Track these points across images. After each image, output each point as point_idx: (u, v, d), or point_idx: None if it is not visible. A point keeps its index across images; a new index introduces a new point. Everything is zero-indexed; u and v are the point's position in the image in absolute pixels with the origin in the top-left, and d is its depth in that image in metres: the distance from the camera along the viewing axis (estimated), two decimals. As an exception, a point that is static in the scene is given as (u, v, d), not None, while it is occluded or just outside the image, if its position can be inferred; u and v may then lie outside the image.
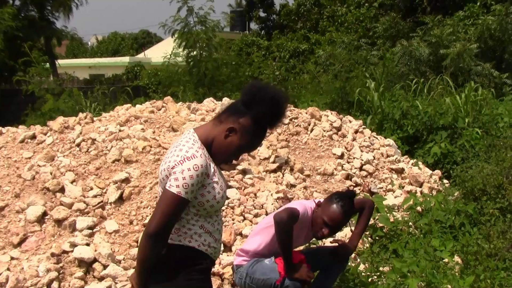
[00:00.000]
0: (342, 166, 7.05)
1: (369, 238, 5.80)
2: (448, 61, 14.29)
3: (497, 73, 14.72)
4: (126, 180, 5.86)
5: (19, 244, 5.27)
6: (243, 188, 5.96)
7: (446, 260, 4.96)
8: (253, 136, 2.66)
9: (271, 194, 5.85)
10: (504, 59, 15.74)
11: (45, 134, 6.89)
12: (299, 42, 25.24)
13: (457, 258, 5.11)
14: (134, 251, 5.08)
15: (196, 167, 2.46)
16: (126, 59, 36.80)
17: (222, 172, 2.83)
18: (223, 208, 5.43)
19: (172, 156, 2.53)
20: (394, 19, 20.16)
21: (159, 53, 23.84)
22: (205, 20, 14.68)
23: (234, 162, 2.77)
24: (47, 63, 24.67)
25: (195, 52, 14.71)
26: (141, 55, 41.84)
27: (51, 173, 6.00)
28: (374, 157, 7.54)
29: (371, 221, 5.93)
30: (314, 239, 4.13)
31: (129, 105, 8.35)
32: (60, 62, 30.21)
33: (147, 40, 58.59)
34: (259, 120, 2.61)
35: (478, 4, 18.58)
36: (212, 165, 2.62)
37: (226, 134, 2.62)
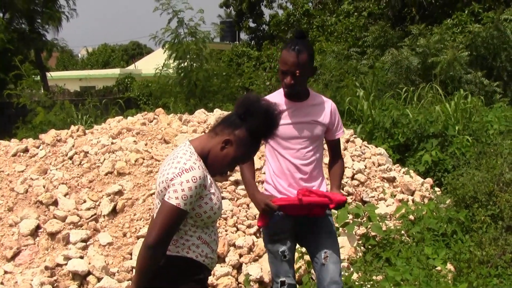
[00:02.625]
0: (334, 176, 7.06)
1: (362, 247, 5.83)
2: (438, 70, 14.37)
3: (487, 81, 14.82)
4: (119, 193, 5.87)
5: (13, 258, 5.27)
6: (235, 199, 5.99)
7: (439, 268, 5.00)
8: (248, 147, 2.71)
9: (264, 205, 5.86)
10: (494, 67, 15.84)
11: (37, 147, 6.90)
12: (289, 52, 25.25)
13: (449, 266, 5.15)
14: (128, 263, 5.09)
15: (194, 179, 2.50)
16: (116, 71, 36.77)
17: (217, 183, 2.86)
18: (218, 219, 5.45)
19: (170, 168, 2.56)
20: (383, 28, 20.26)
21: (150, 64, 23.88)
22: (195, 31, 14.73)
23: (229, 173, 2.81)
24: (38, 76, 24.69)
25: (185, 63, 14.75)
26: (131, 67, 41.84)
27: (44, 186, 6.01)
28: (365, 166, 7.57)
29: (364, 230, 5.96)
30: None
31: (120, 117, 8.37)
32: (51, 74, 30.17)
33: (137, 51, 58.57)
34: (254, 132, 2.66)
35: (466, 12, 18.72)
36: (209, 176, 2.66)
37: (222, 146, 2.66)
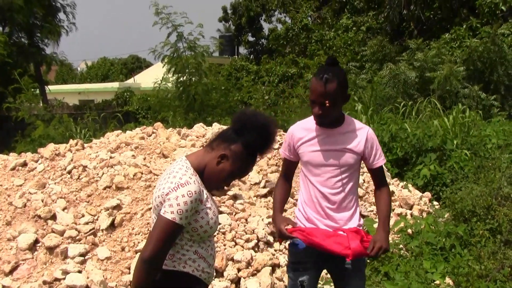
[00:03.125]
0: (333, 190, 7.05)
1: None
2: (436, 85, 14.43)
3: (484, 95, 14.88)
4: (118, 207, 5.87)
5: (11, 272, 5.25)
6: (234, 213, 5.98)
7: (437, 282, 4.99)
8: (244, 162, 2.72)
9: (262, 219, 5.87)
10: (492, 81, 15.89)
11: (36, 162, 6.91)
12: (288, 66, 25.40)
13: (448, 280, 5.14)
14: (126, 278, 5.08)
15: (190, 193, 2.51)
16: (115, 85, 36.87)
17: (214, 197, 2.87)
18: (214, 233, 5.44)
19: (166, 183, 2.57)
20: (381, 42, 20.36)
21: (149, 78, 23.93)
22: (195, 45, 14.80)
23: (225, 188, 2.82)
24: (37, 90, 24.71)
25: (184, 77, 14.80)
26: (130, 81, 41.96)
27: (42, 201, 6.00)
28: (364, 180, 7.58)
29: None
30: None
31: (119, 131, 8.38)
32: (49, 87, 30.24)
33: (136, 65, 58.73)
34: (249, 146, 2.68)
35: (464, 27, 18.84)
36: (205, 191, 2.67)
37: (218, 161, 2.68)
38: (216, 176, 2.70)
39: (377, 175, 3.56)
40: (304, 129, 3.47)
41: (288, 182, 3.67)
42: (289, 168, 3.64)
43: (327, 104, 3.20)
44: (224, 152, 2.67)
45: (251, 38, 37.73)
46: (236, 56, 38.00)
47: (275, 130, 2.76)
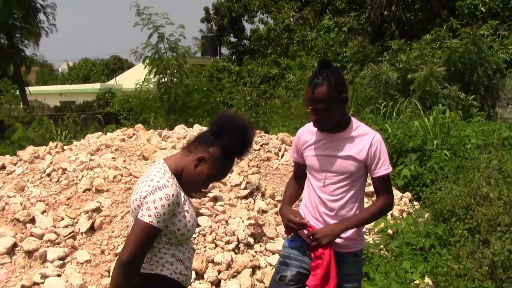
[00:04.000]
0: (314, 191, 7.07)
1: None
2: (415, 85, 14.52)
3: (464, 95, 15.00)
4: (97, 210, 5.83)
5: (-11, 276, 5.20)
6: (214, 215, 5.97)
7: (417, 281, 5.02)
8: (223, 165, 2.72)
9: (243, 221, 5.86)
10: (472, 82, 16.03)
11: (15, 164, 6.85)
12: (269, 67, 25.46)
13: (427, 280, 5.17)
14: (106, 281, 5.05)
15: (167, 197, 2.50)
16: (97, 86, 36.72)
17: (192, 200, 2.86)
18: (194, 235, 5.44)
19: (143, 186, 2.57)
20: (361, 43, 20.45)
21: (131, 79, 23.83)
22: (176, 46, 14.77)
23: (203, 190, 2.81)
24: (17, 91, 24.51)
25: (166, 79, 14.75)
26: (112, 82, 41.78)
27: (21, 204, 5.96)
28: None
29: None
30: None
31: (100, 133, 8.33)
32: (30, 89, 30.07)
33: (118, 66, 58.51)
34: (228, 149, 2.68)
35: (444, 27, 18.99)
36: (182, 194, 2.67)
37: (195, 164, 2.68)
38: (194, 179, 2.70)
39: (378, 186, 3.36)
40: (310, 132, 3.37)
41: (298, 182, 3.61)
42: (298, 170, 3.59)
43: (320, 109, 3.09)
44: (202, 155, 2.67)
45: (233, 39, 37.70)
46: (218, 57, 37.99)
47: (253, 133, 2.77)
